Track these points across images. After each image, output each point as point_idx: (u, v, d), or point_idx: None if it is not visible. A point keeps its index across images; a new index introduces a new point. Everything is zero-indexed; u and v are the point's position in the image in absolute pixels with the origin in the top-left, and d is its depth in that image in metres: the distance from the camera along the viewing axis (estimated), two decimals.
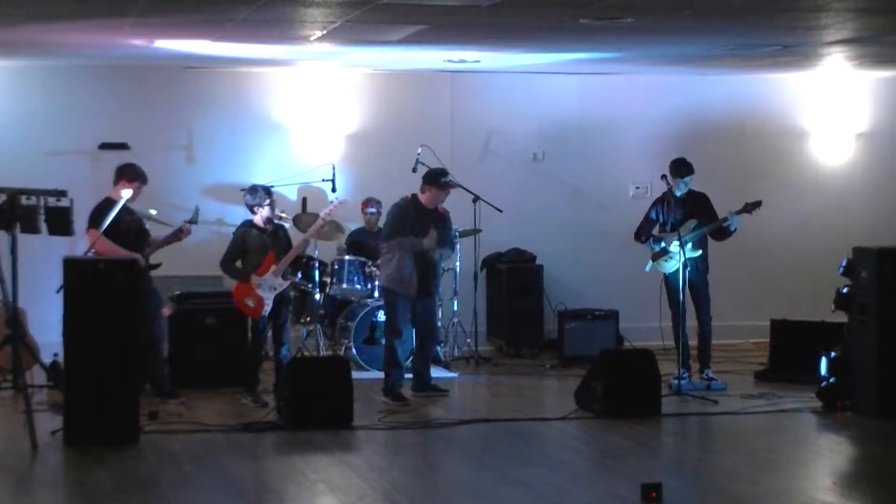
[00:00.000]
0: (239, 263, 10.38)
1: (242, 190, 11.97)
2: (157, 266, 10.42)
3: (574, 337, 12.45)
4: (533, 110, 13.57)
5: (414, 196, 10.60)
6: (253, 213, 10.42)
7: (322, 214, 10.72)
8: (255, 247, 10.33)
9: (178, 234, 10.42)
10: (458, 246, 12.22)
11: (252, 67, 12.74)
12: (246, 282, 10.32)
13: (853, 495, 7.90)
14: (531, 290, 13.01)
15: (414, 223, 10.46)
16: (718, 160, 13.57)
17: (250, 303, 10.31)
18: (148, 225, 10.50)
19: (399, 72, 13.12)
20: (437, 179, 10.53)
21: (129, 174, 10.30)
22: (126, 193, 10.46)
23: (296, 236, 10.98)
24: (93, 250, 9.98)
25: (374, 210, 12.37)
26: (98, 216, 10.09)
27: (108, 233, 10.03)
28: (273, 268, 10.29)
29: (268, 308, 10.31)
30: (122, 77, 12.71)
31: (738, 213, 11.00)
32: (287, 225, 10.95)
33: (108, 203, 10.16)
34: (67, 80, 12.62)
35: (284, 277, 10.42)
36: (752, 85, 13.91)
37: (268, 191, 10.48)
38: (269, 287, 10.29)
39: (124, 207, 10.15)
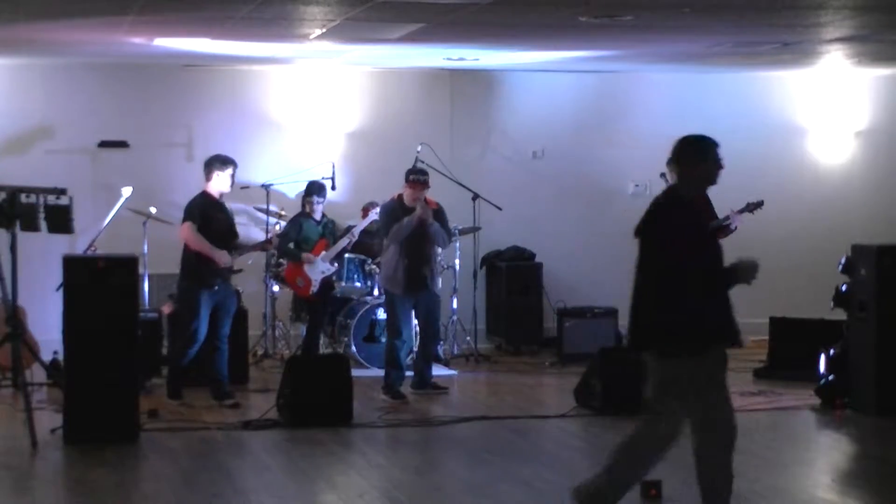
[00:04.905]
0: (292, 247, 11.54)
1: (243, 188, 12.01)
2: (238, 271, 10.38)
3: (573, 335, 12.44)
4: (532, 108, 13.56)
5: (400, 195, 10.65)
6: (309, 206, 11.62)
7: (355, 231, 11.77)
8: (310, 233, 11.57)
9: (265, 245, 10.91)
10: (457, 243, 12.24)
11: (252, 65, 12.73)
12: (298, 263, 11.50)
13: (852, 493, 7.91)
14: (531, 287, 13.02)
15: (400, 221, 10.46)
16: None
17: (300, 282, 11.59)
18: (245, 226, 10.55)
19: (398, 70, 13.12)
20: (406, 177, 10.60)
21: (218, 164, 10.16)
22: (126, 191, 10.41)
23: None
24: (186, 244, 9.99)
25: (374, 214, 12.36)
26: (192, 210, 10.03)
27: (203, 230, 9.96)
28: (323, 252, 11.54)
29: (314, 289, 11.52)
30: (121, 75, 12.71)
31: (740, 212, 10.95)
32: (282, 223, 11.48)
33: (203, 198, 10.10)
34: (67, 79, 12.61)
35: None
36: (751, 83, 13.90)
37: (323, 189, 11.69)
38: (318, 270, 11.52)
39: (216, 205, 10.08)
